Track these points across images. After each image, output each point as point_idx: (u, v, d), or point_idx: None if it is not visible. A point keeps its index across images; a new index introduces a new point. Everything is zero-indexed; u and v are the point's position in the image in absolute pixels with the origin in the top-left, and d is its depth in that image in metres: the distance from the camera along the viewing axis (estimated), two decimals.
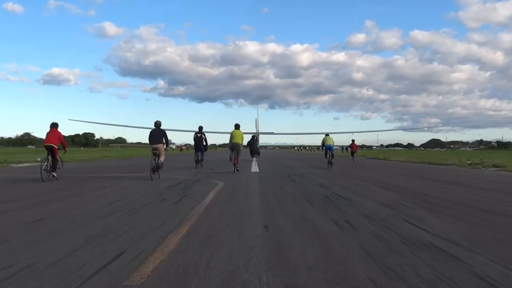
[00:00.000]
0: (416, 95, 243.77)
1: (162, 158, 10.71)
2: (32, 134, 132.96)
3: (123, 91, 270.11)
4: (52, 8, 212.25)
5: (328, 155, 16.16)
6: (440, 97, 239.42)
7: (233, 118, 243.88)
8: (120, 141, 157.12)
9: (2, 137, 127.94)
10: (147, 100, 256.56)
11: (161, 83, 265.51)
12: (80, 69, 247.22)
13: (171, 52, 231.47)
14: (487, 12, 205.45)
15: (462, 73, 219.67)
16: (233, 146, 13.72)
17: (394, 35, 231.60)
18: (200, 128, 15.93)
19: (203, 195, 6.67)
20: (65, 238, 3.55)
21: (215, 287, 2.38)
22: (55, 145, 10.05)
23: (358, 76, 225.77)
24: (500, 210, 5.44)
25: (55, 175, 9.86)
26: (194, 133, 16.11)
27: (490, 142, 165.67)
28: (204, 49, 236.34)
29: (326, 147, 16.44)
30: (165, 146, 10.87)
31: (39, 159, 21.89)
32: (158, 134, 10.77)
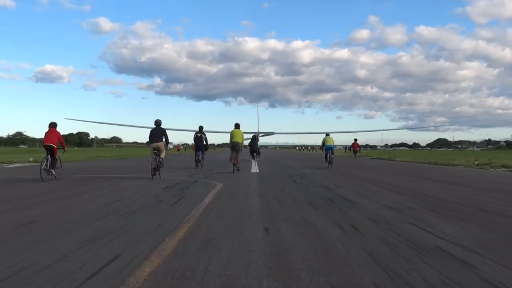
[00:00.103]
0: (422, 93, 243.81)
1: (162, 155, 11.02)
2: (24, 133, 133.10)
3: (118, 89, 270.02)
4: (45, 3, 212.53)
5: (328, 155, 16.50)
6: (447, 95, 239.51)
7: (232, 117, 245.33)
8: (115, 140, 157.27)
9: None
10: (143, 99, 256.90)
11: (157, 80, 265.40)
12: (74, 66, 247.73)
13: (168, 49, 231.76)
14: (495, 7, 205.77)
15: (470, 70, 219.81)
16: (233, 146, 13.97)
17: (399, 31, 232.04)
18: (201, 128, 16.31)
19: (201, 197, 6.66)
20: (57, 241, 3.54)
21: None
22: (55, 144, 10.34)
23: (361, 73, 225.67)
24: (511, 212, 5.42)
25: (53, 172, 10.19)
26: (194, 132, 16.40)
27: (498, 142, 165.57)
28: (202, 45, 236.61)
29: (326, 147, 16.80)
30: (165, 145, 11.23)
31: (31, 159, 21.93)
32: (158, 133, 11.21)
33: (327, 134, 17.66)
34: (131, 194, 7.32)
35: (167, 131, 11.47)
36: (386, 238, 3.73)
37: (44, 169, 9.85)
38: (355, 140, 28.82)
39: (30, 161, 20.82)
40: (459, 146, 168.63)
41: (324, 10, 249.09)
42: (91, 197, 6.86)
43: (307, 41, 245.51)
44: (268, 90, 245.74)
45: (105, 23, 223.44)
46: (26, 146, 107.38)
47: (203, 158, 15.72)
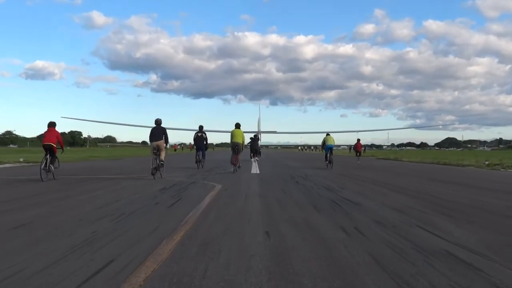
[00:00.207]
0: (430, 91, 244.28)
1: (162, 155, 11.36)
2: (14, 132, 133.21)
3: (112, 86, 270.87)
4: None
5: (328, 155, 17.00)
6: (456, 92, 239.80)
7: (231, 116, 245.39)
8: (109, 140, 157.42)
9: None
10: (138, 96, 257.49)
11: (153, 77, 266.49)
12: (66, 63, 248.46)
13: (165, 44, 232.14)
14: (507, 0, 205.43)
15: (480, 66, 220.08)
16: (233, 146, 14.32)
17: (406, 26, 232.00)
18: (201, 127, 16.70)
19: (199, 199, 6.67)
20: (50, 245, 3.55)
21: None
22: (54, 144, 10.72)
23: (367, 69, 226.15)
24: None
25: (52, 172, 10.51)
26: (193, 132, 16.66)
27: (510, 141, 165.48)
28: (200, 40, 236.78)
29: (326, 147, 17.31)
30: (165, 144, 11.67)
31: (21, 159, 21.95)
32: (158, 132, 11.59)
33: (328, 134, 18.16)
34: (126, 195, 7.33)
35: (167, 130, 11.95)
36: (392, 242, 3.73)
37: (43, 169, 10.19)
38: (358, 140, 28.97)
39: (20, 162, 20.84)
40: (469, 145, 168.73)
41: (327, 3, 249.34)
42: (85, 198, 6.87)
43: (310, 36, 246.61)
44: (269, 87, 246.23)
45: (98, 17, 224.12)
46: (16, 146, 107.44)
47: (203, 158, 16.06)
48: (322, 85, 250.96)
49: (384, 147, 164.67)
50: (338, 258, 3.21)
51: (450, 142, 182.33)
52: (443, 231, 4.24)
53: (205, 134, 16.34)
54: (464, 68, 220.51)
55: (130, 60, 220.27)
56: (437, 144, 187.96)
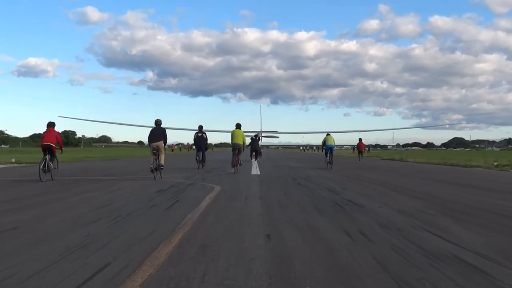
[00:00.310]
0: (436, 89, 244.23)
1: (162, 159, 11.62)
2: (5, 132, 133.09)
3: (107, 83, 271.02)
4: None
5: (328, 155, 17.34)
6: (463, 90, 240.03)
7: (230, 115, 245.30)
8: (104, 140, 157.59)
9: None
10: (134, 94, 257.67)
11: (150, 75, 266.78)
12: (59, 59, 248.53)
13: (162, 41, 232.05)
14: None
15: (488, 63, 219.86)
16: (234, 147, 14.55)
17: (412, 21, 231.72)
18: (200, 127, 16.99)
19: (197, 200, 6.68)
20: (43, 248, 3.55)
21: None
22: (53, 144, 10.95)
23: (371, 67, 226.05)
24: None
25: (52, 166, 10.75)
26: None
27: None
28: (199, 37, 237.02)
29: (327, 147, 17.69)
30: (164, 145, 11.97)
31: (13, 160, 21.97)
32: (158, 132, 11.84)
33: (328, 134, 18.53)
34: (122, 197, 7.35)
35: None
36: (397, 245, 3.74)
37: (42, 170, 10.40)
38: (360, 140, 29.10)
39: (12, 162, 20.87)
40: (477, 145, 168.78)
41: None
42: (80, 200, 6.88)
43: (311, 32, 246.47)
44: (269, 85, 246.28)
45: (93, 13, 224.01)
46: (8, 146, 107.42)
47: (204, 158, 16.34)
48: (325, 83, 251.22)
49: (389, 147, 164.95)
50: (341, 262, 3.21)
51: (457, 142, 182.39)
52: (450, 234, 4.24)
53: (205, 134, 16.63)
54: (471, 65, 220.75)
55: (125, 57, 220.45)
56: (444, 144, 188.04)
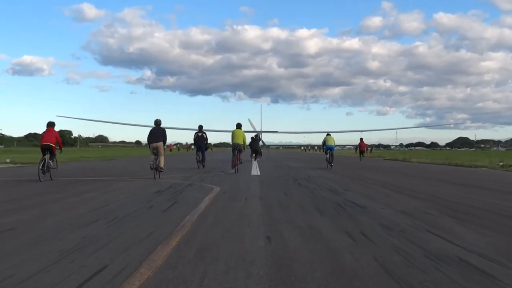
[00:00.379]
0: (440, 87, 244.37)
1: (162, 162, 11.76)
2: (0, 131, 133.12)
3: (104, 82, 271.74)
4: None
5: (328, 155, 17.68)
6: (468, 89, 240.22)
7: (230, 114, 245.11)
8: (101, 139, 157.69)
9: None
10: (131, 93, 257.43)
11: (147, 73, 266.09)
12: (55, 58, 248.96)
13: (160, 38, 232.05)
14: None
15: (494, 61, 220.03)
16: (234, 147, 14.76)
17: (415, 18, 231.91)
18: (200, 127, 17.23)
19: (196, 202, 6.68)
20: (39, 250, 3.56)
21: None
22: (53, 144, 11.10)
23: (374, 65, 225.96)
24: None
25: (51, 164, 10.90)
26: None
27: None
28: (198, 34, 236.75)
29: (326, 147, 18.07)
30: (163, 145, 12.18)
31: (8, 160, 21.98)
32: (158, 132, 12.06)
33: (328, 134, 18.91)
34: (120, 198, 7.36)
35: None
36: (400, 247, 3.74)
37: (41, 170, 10.53)
38: (361, 139, 29.27)
39: (7, 162, 20.88)
40: (482, 145, 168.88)
41: None
42: (77, 201, 6.89)
43: (313, 30, 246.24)
44: (270, 83, 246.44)
45: (89, 10, 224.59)
46: (2, 146, 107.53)
47: (204, 158, 16.56)
48: (326, 82, 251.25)
49: (392, 147, 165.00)
50: (343, 264, 3.21)
51: (462, 142, 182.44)
52: (454, 236, 4.24)
53: (206, 134, 16.89)
54: (477, 63, 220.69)
55: (123, 55, 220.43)
56: (448, 144, 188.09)
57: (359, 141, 29.55)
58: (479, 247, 3.74)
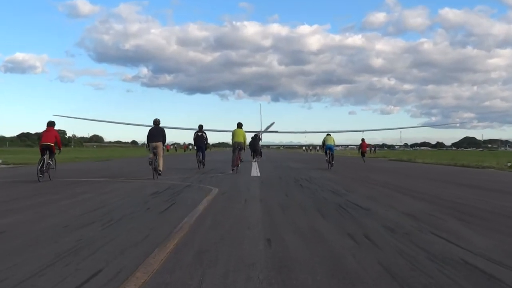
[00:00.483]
0: (446, 85, 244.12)
1: (161, 164, 11.93)
2: None
3: (99, 80, 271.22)
4: None
5: (328, 155, 18.02)
6: (475, 87, 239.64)
7: (229, 113, 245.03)
8: (96, 139, 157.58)
9: None
10: (127, 91, 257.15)
11: (144, 71, 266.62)
12: (48, 55, 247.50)
13: (156, 34, 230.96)
14: None
15: (502, 58, 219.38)
16: (235, 146, 15.01)
17: (420, 14, 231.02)
18: (200, 126, 17.49)
19: (194, 203, 6.69)
20: (33, 253, 3.56)
21: None
22: (53, 143, 11.25)
23: (377, 62, 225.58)
24: None
25: (51, 164, 11.13)
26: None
27: None
28: (195, 30, 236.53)
29: (326, 147, 18.37)
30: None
31: (0, 161, 21.98)
32: (157, 132, 12.29)
33: (328, 134, 19.30)
34: (116, 199, 7.37)
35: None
36: (404, 250, 3.75)
37: (40, 170, 10.67)
38: (363, 140, 29.47)
39: None
40: (489, 145, 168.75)
41: None
42: (71, 203, 6.89)
43: (315, 26, 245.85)
44: (270, 81, 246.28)
45: (83, 5, 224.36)
46: None
47: (204, 158, 16.80)
48: (329, 80, 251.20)
49: (396, 147, 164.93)
50: (346, 268, 3.22)
51: (468, 142, 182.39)
52: (460, 238, 4.25)
53: (205, 133, 17.10)
54: (484, 60, 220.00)
55: (118, 52, 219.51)
56: (454, 144, 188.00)
57: (361, 141, 29.71)
58: (485, 250, 3.75)
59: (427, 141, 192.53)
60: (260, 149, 28.43)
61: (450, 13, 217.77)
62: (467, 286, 2.79)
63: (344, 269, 3.18)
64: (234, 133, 15.37)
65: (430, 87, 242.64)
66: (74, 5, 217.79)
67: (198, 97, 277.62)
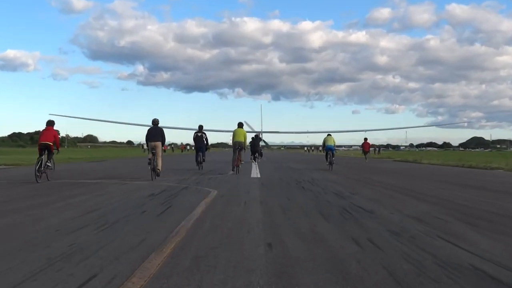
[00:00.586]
0: (453, 84, 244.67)
1: (159, 164, 12.12)
2: None
3: (93, 78, 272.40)
4: None
5: (328, 156, 18.42)
6: (483, 85, 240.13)
7: (228, 112, 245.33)
8: (90, 139, 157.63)
9: None
10: (123, 90, 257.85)
11: (140, 68, 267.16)
12: (41, 52, 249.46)
13: (153, 31, 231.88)
14: None
15: (511, 56, 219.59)
16: (236, 146, 15.31)
17: (426, 10, 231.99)
18: (200, 127, 17.70)
19: (192, 206, 6.69)
20: (24, 257, 3.56)
21: None
22: (51, 143, 11.44)
23: (382, 60, 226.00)
24: None
25: (50, 164, 11.40)
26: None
27: None
28: (193, 27, 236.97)
29: (326, 147, 18.86)
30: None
31: None
32: (156, 132, 12.59)
33: (329, 134, 19.70)
34: (111, 202, 7.37)
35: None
36: (410, 254, 3.74)
37: (38, 170, 10.91)
38: (365, 139, 29.56)
39: None
40: (498, 146, 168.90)
41: None
42: (65, 205, 6.89)
43: (317, 22, 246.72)
44: (271, 80, 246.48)
45: (77, 1, 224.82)
46: None
47: (203, 159, 16.99)
48: (331, 78, 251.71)
49: (401, 147, 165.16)
50: (349, 273, 3.21)
51: (476, 142, 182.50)
52: (468, 242, 4.24)
53: (205, 134, 17.28)
54: (492, 58, 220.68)
55: (113, 49, 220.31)
56: (461, 145, 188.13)
57: (363, 141, 29.80)
58: (494, 255, 3.74)
59: (433, 141, 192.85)
60: (261, 149, 28.48)
61: (457, 9, 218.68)
62: None
63: (348, 274, 3.17)
64: (234, 133, 15.65)
65: (437, 85, 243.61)
66: (68, 0, 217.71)
67: (196, 95, 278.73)
